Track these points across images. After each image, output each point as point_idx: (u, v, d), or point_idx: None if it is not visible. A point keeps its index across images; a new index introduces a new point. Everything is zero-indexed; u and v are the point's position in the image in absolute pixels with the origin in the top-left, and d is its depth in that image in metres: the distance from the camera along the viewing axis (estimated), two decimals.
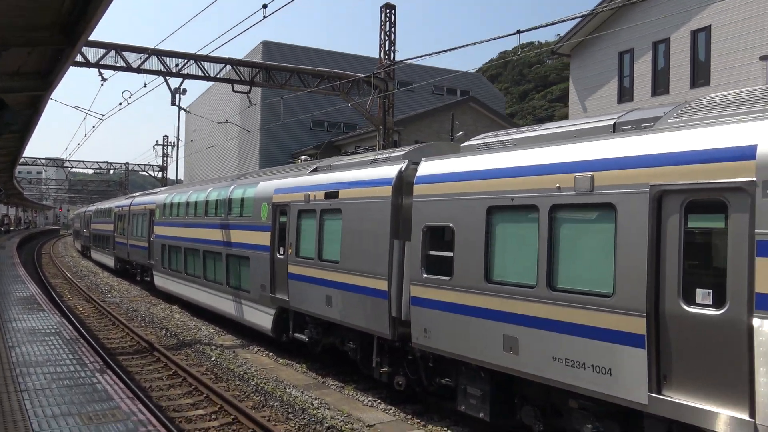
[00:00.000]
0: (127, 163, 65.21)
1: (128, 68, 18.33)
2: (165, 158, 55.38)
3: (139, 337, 16.06)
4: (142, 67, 18.51)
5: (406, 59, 20.49)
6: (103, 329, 17.86)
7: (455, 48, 19.55)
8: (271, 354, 14.70)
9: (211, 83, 56.67)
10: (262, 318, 14.86)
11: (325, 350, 13.40)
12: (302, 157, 27.30)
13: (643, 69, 18.42)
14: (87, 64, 17.91)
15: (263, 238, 14.78)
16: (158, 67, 18.75)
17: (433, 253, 9.37)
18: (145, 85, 17.97)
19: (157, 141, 55.64)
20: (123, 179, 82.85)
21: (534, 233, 7.68)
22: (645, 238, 6.42)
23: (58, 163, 60.29)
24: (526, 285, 7.75)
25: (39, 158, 59.09)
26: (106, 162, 57.32)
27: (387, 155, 11.68)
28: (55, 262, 42.93)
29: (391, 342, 10.40)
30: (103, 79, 18.19)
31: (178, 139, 56.49)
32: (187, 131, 62.53)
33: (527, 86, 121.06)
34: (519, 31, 10.68)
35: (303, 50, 39.58)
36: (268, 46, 39.61)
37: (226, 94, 48.09)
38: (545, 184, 7.56)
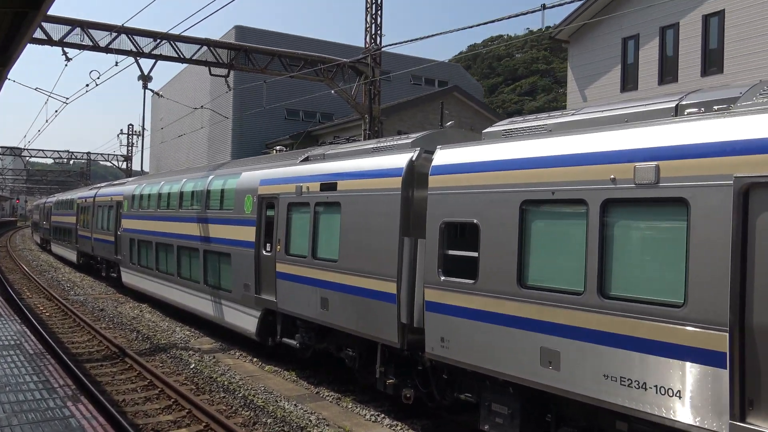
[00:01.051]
0: (89, 153, 62.55)
1: (95, 47, 16.78)
2: (130, 147, 53.14)
3: (107, 341, 14.66)
4: (111, 46, 16.97)
5: (394, 43, 19.38)
6: (67, 331, 16.37)
7: (447, 32, 18.34)
8: (255, 360, 13.50)
9: (180, 69, 54.48)
10: (245, 320, 13.63)
11: (315, 355, 12.30)
12: (277, 147, 25.91)
13: (649, 56, 17.65)
14: (50, 41, 16.32)
15: (247, 234, 13.54)
16: (128, 46, 17.24)
17: (452, 252, 8.32)
18: (116, 64, 16.47)
19: (121, 130, 53.40)
20: (84, 169, 79.85)
21: (581, 232, 6.68)
22: (727, 238, 5.47)
23: (15, 151, 57.37)
24: (570, 291, 6.75)
25: None
26: (67, 151, 54.74)
27: (391, 143, 10.57)
28: (12, 255, 40.66)
29: (399, 351, 9.33)
30: (68, 59, 16.61)
31: (144, 129, 54.37)
32: (154, 120, 60.25)
33: (497, 80, 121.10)
34: (544, 7, 9.65)
35: (279, 36, 37.99)
36: (241, 31, 37.94)
37: (196, 81, 46.19)
38: (595, 175, 6.56)
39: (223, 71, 18.99)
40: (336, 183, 10.73)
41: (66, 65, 16.74)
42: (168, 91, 55.97)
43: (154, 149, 55.50)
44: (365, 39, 20.99)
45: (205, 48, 18.87)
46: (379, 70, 20.66)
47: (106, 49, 16.93)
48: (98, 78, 16.03)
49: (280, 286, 12.16)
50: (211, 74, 18.99)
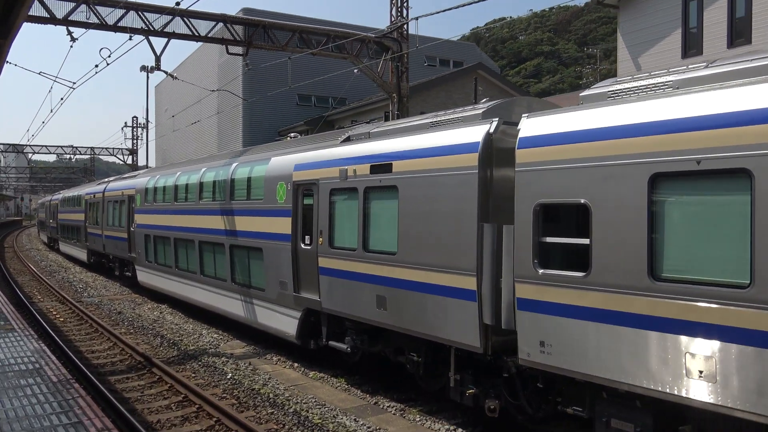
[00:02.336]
0: (92, 148, 61.09)
1: (103, 25, 15.35)
2: (135, 141, 51.75)
3: (131, 349, 13.34)
4: (120, 24, 15.53)
5: (423, 15, 17.88)
6: (84, 338, 15.08)
7: (474, 1, 16.84)
8: (296, 365, 12.19)
9: (185, 56, 52.57)
10: (282, 322, 12.30)
11: (364, 358, 11.00)
12: (291, 134, 24.54)
13: (715, 17, 16.13)
14: (53, 20, 14.90)
15: (281, 225, 12.19)
16: (139, 24, 15.80)
17: (552, 240, 6.94)
18: (131, 38, 14.95)
19: (126, 122, 51.97)
20: (88, 165, 78.63)
21: (742, 210, 5.30)
22: None
23: (18, 148, 56.07)
24: (731, 284, 5.37)
25: None
26: (71, 146, 53.27)
27: (452, 116, 9.17)
28: (19, 255, 39.46)
29: (481, 356, 7.98)
30: (73, 39, 15.17)
31: (148, 120, 52.99)
32: (158, 112, 58.78)
33: (500, 63, 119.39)
34: None
35: (292, 18, 36.25)
36: (250, 14, 36.27)
37: (201, 70, 44.67)
38: (762, 137, 5.16)
39: (239, 49, 17.53)
40: (390, 164, 9.33)
41: (71, 46, 15.34)
42: (171, 82, 54.43)
43: (159, 142, 54.09)
44: (390, 12, 19.52)
45: (219, 26, 17.40)
46: (407, 44, 19.18)
47: (115, 27, 15.50)
48: (109, 56, 14.62)
49: (324, 284, 10.82)
50: (228, 53, 17.54)
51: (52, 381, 7.47)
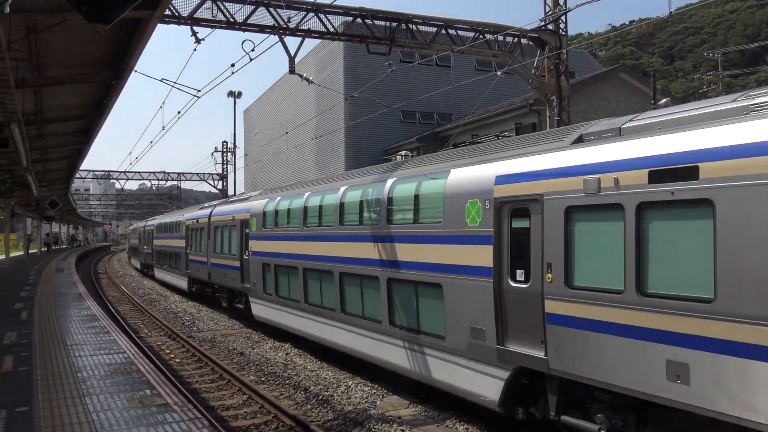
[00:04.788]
0: (181, 173, 61.00)
1: (231, 23, 13.24)
2: (225, 166, 50.89)
3: (274, 407, 10.79)
4: (249, 21, 13.38)
5: (583, 3, 14.91)
6: (211, 387, 12.71)
7: None
8: None
9: (275, 77, 51.58)
10: (475, 382, 9.43)
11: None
12: (402, 152, 22.18)
13: None
14: (177, 18, 12.88)
15: (473, 256, 9.39)
16: (269, 21, 13.62)
17: None
18: (279, 23, 12.57)
19: (216, 147, 51.27)
20: (174, 192, 79.44)
21: None
22: None
23: (111, 175, 56.50)
24: None
25: (89, 170, 55.25)
26: (163, 172, 52.99)
27: None
28: (115, 282, 38.63)
29: None
30: (198, 41, 13.11)
31: (236, 146, 52.26)
32: (246, 137, 58.16)
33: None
34: None
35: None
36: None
37: (295, 92, 43.23)
38: None
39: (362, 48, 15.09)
40: (696, 167, 6.36)
41: (195, 50, 13.26)
42: (261, 106, 53.59)
43: (249, 168, 53.09)
44: (545, 1, 16.70)
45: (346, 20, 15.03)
46: (566, 38, 16.28)
47: (243, 25, 13.36)
48: (252, 50, 12.39)
49: (554, 336, 7.90)
50: (369, 52, 15.13)
51: None
